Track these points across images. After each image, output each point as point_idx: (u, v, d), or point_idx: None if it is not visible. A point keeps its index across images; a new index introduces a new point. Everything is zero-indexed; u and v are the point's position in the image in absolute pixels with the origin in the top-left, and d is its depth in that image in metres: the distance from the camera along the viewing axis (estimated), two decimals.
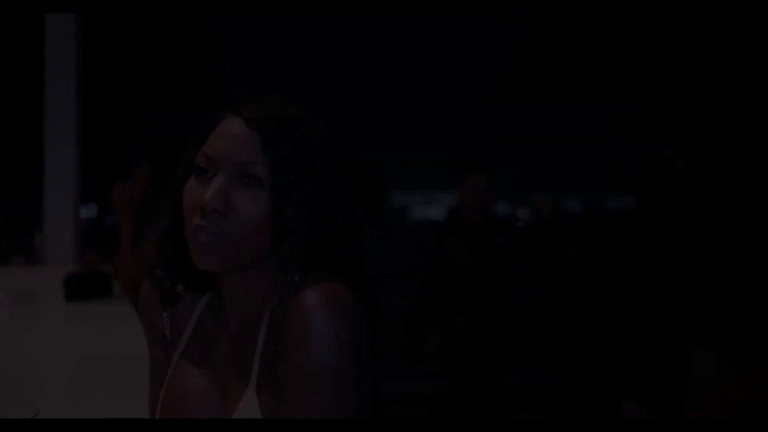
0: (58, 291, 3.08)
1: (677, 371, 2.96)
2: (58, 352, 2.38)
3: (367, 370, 0.92)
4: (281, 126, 0.95)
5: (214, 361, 1.02)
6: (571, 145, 17.54)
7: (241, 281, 0.98)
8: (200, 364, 1.03)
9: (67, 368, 2.13)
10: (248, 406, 0.94)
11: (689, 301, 3.05)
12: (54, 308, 3.07)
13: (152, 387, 1.09)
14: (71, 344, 2.46)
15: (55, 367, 2.14)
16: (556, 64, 15.57)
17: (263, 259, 0.97)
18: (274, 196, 0.93)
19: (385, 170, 4.26)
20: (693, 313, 2.98)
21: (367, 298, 0.99)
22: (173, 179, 1.03)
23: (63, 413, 1.54)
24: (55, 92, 4.75)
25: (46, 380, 1.95)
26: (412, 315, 3.72)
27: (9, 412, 0.86)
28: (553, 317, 5.26)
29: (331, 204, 0.97)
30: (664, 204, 3.37)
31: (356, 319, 0.91)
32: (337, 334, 0.88)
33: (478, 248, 3.53)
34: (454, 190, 3.70)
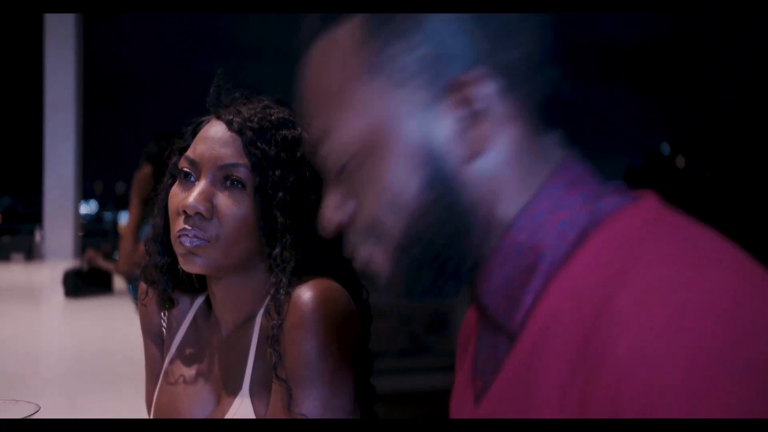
0: (57, 287, 3.08)
1: None
2: (58, 348, 2.39)
3: (360, 363, 0.94)
4: (263, 127, 0.95)
5: (207, 363, 1.02)
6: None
7: (231, 283, 0.99)
8: (193, 365, 1.03)
9: (67, 365, 2.13)
10: (241, 408, 0.94)
11: None
12: (53, 304, 3.08)
13: (149, 385, 1.09)
14: (71, 341, 2.47)
15: (54, 364, 2.15)
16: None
17: (253, 260, 0.97)
18: (258, 197, 0.93)
19: None
20: None
21: (359, 296, 1.00)
22: (162, 186, 1.03)
23: (63, 410, 1.55)
24: (55, 91, 4.75)
25: (45, 377, 1.96)
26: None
27: (9, 410, 0.86)
28: None
29: (317, 204, 0.96)
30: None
31: (349, 314, 0.92)
32: (330, 330, 0.89)
33: None
34: None
